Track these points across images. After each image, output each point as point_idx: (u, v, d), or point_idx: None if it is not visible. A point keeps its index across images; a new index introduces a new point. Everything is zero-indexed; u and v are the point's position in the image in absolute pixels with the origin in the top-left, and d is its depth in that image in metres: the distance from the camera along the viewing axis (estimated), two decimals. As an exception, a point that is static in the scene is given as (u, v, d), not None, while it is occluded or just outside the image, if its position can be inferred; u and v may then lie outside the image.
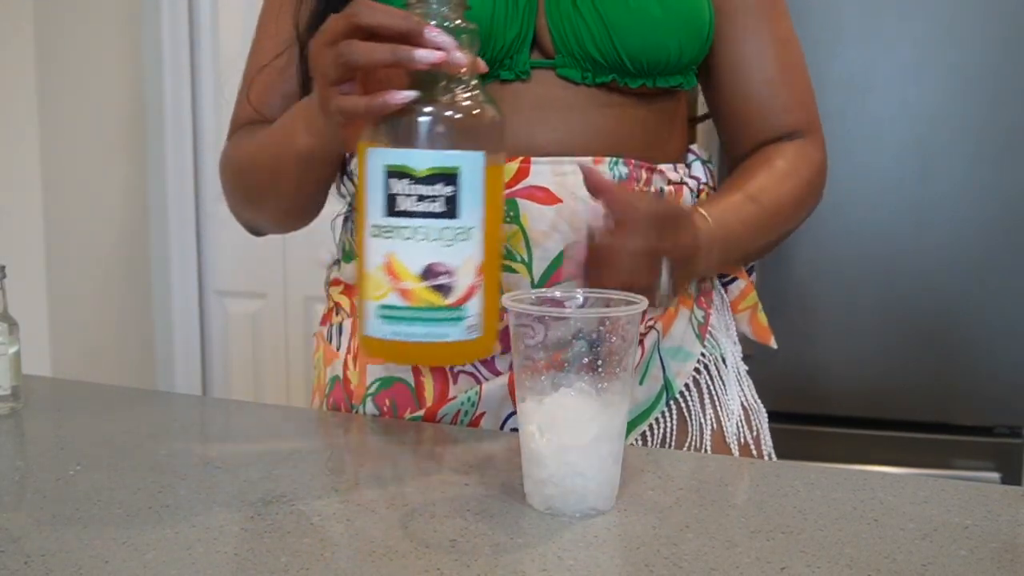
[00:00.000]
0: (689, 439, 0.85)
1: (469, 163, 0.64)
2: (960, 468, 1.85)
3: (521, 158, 0.78)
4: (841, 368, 1.88)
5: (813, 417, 1.91)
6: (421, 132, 0.64)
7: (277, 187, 0.83)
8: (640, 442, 0.84)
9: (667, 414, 0.85)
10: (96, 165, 2.57)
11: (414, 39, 0.63)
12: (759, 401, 0.93)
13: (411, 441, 0.81)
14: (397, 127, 0.64)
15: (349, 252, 0.89)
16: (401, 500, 0.65)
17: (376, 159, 0.64)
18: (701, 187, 0.89)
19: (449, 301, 0.65)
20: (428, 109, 0.64)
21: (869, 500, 0.65)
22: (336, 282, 0.92)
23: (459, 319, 0.66)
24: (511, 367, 0.79)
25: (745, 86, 0.88)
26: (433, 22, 0.64)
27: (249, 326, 2.80)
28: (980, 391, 1.87)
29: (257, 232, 0.94)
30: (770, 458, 0.92)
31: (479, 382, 0.82)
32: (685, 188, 0.86)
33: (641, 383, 0.84)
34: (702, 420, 0.86)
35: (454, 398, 0.81)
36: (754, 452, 0.90)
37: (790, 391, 1.89)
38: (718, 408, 0.87)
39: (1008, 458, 1.86)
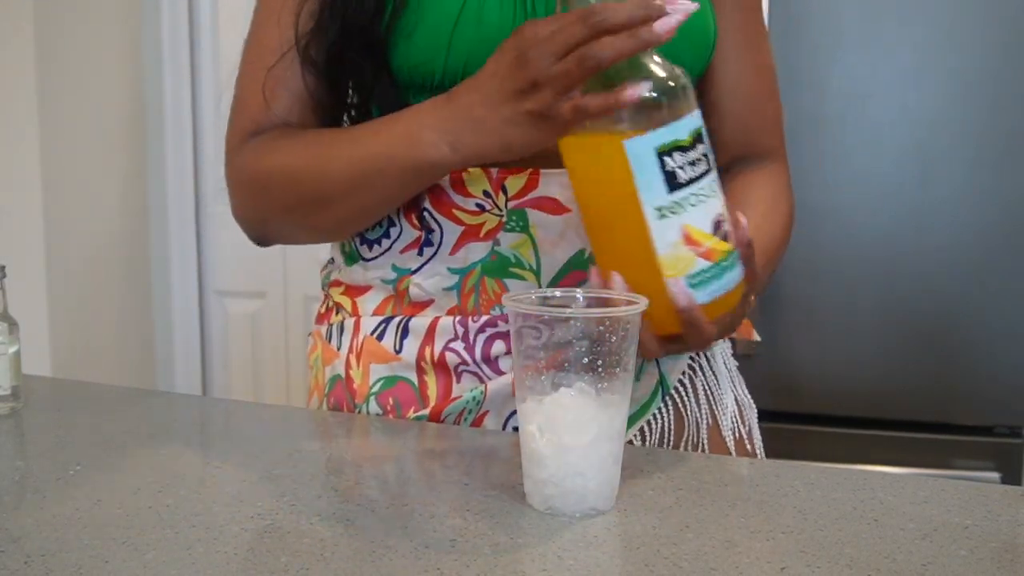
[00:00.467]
0: (686, 434, 0.86)
1: (699, 114, 0.66)
2: (960, 468, 1.85)
3: (530, 170, 0.79)
4: (842, 369, 1.88)
5: (813, 417, 1.91)
6: (673, 105, 0.65)
7: (353, 198, 0.79)
8: (639, 437, 0.85)
9: (663, 410, 0.86)
10: (96, 165, 2.57)
11: (655, 18, 0.63)
12: (749, 396, 0.94)
13: (411, 441, 0.81)
14: (642, 111, 0.64)
15: (351, 254, 0.89)
16: (401, 500, 0.65)
17: (642, 146, 0.64)
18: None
19: (731, 244, 0.67)
20: (652, 84, 0.64)
21: (869, 500, 0.65)
22: (336, 283, 0.92)
23: (737, 257, 0.68)
24: (507, 353, 0.80)
25: (728, 104, 0.89)
26: None
27: (249, 326, 2.80)
28: (980, 391, 1.87)
29: (265, 242, 0.91)
30: (759, 453, 0.94)
31: (483, 381, 0.82)
32: None
33: (638, 379, 0.85)
34: (698, 415, 0.87)
35: (458, 397, 0.82)
36: (748, 447, 0.91)
37: (791, 391, 1.89)
38: (712, 403, 0.89)
39: (1008, 458, 1.86)
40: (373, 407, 0.85)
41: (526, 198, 0.79)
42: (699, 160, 0.65)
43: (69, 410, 0.92)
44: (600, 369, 0.61)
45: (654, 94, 0.64)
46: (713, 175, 0.67)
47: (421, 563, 0.55)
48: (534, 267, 0.80)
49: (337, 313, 0.91)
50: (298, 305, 2.71)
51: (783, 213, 0.89)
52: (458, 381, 0.83)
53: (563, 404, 0.62)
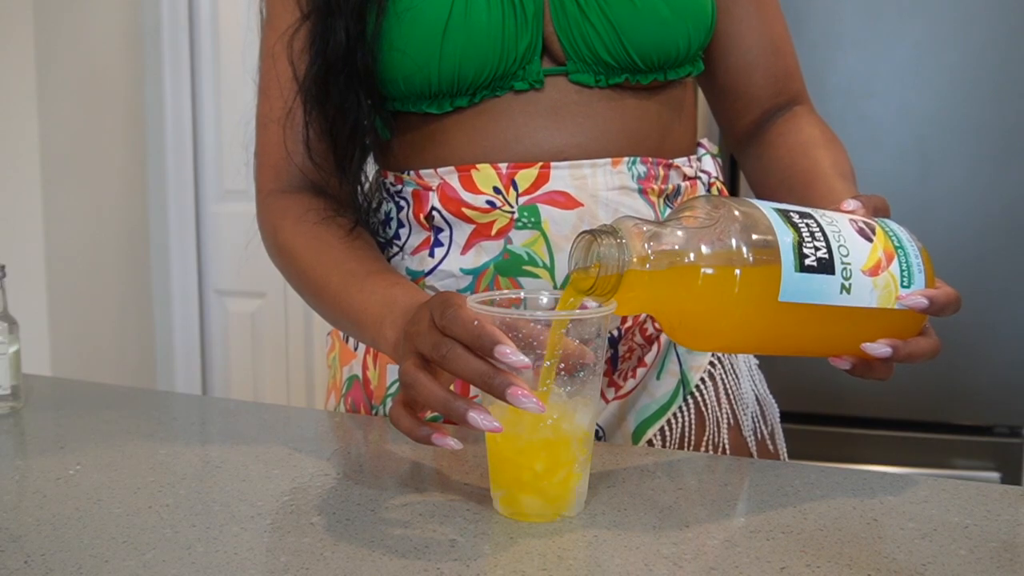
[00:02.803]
0: (707, 434, 0.86)
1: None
2: (960, 468, 1.85)
3: (540, 164, 0.79)
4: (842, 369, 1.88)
5: (814, 417, 1.91)
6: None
7: (334, 323, 0.83)
8: (659, 437, 0.85)
9: (684, 409, 0.86)
10: (96, 165, 2.57)
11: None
12: (771, 395, 0.94)
13: (411, 441, 0.81)
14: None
15: None
16: (401, 500, 0.65)
17: (791, 273, 0.60)
18: (711, 181, 0.89)
19: (877, 225, 0.67)
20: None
21: (869, 500, 0.65)
22: None
23: (885, 225, 0.69)
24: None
25: (753, 58, 0.90)
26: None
27: (249, 326, 2.80)
28: (980, 391, 1.87)
29: None
30: (782, 454, 0.93)
31: None
32: (698, 182, 0.87)
33: (659, 378, 0.85)
34: (719, 414, 0.87)
35: (476, 395, 0.81)
36: (770, 447, 0.91)
37: (791, 391, 1.89)
38: (733, 402, 0.88)
39: (1008, 458, 1.86)
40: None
41: (537, 193, 0.79)
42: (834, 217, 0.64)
43: (69, 410, 0.92)
44: (563, 372, 0.60)
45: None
46: (822, 211, 0.65)
47: (421, 563, 0.55)
48: (548, 264, 0.79)
49: None
50: (298, 305, 2.71)
51: (838, 141, 0.90)
52: None
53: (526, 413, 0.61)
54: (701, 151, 0.91)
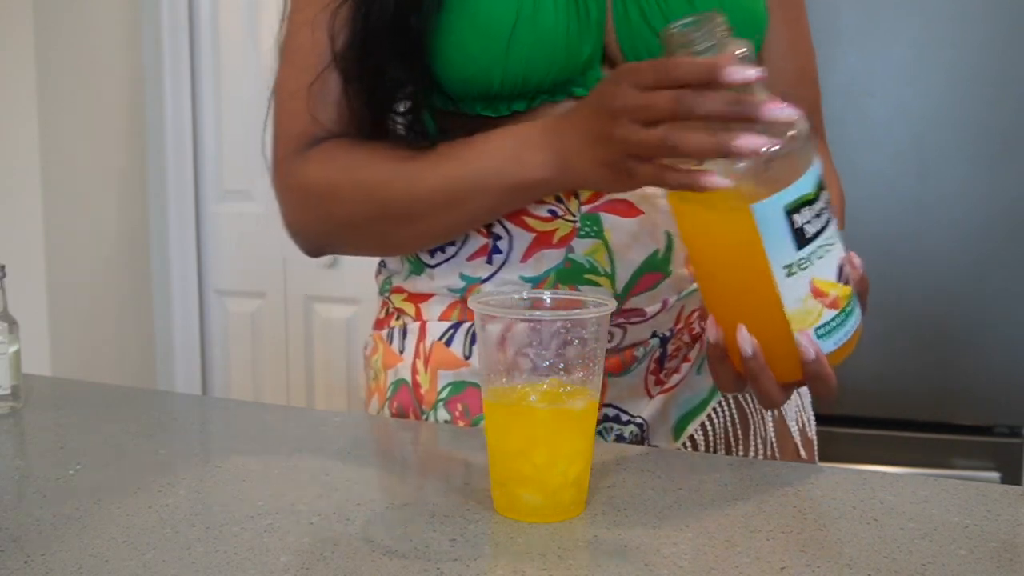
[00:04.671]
0: (752, 427, 0.86)
1: (818, 160, 0.63)
2: (960, 468, 1.85)
3: None
4: (841, 368, 1.88)
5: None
6: (796, 159, 0.61)
7: (442, 214, 0.77)
8: (700, 432, 0.85)
9: (724, 404, 0.86)
10: (96, 165, 2.57)
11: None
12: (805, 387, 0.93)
13: (412, 441, 0.81)
14: (767, 169, 0.60)
15: (415, 263, 0.86)
16: (401, 500, 0.65)
17: (770, 208, 0.61)
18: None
19: (851, 287, 0.66)
20: (772, 138, 0.59)
21: (869, 500, 0.65)
22: (399, 290, 0.89)
23: (856, 298, 0.67)
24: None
25: (773, 84, 0.88)
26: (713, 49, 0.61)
27: (249, 326, 2.80)
28: (980, 391, 1.87)
29: (320, 253, 0.88)
30: (815, 441, 0.93)
31: None
32: None
33: (699, 373, 0.85)
34: (761, 408, 0.87)
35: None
36: (808, 435, 0.91)
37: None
38: None
39: (1008, 458, 1.86)
40: (442, 414, 0.83)
41: (599, 202, 0.78)
42: (823, 210, 0.63)
43: (69, 410, 0.92)
44: (562, 372, 0.60)
45: (784, 146, 0.60)
46: (834, 220, 0.64)
47: (421, 563, 0.55)
48: (609, 272, 0.79)
49: (398, 318, 0.89)
50: (298, 305, 2.71)
51: (836, 177, 0.89)
52: None
53: (525, 407, 0.61)
54: None
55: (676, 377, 0.84)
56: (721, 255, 0.66)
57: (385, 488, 0.68)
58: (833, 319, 0.65)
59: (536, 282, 0.80)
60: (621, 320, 0.80)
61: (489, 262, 0.81)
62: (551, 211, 0.79)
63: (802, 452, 0.91)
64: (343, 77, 0.80)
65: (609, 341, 0.80)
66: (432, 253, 0.84)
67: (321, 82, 0.81)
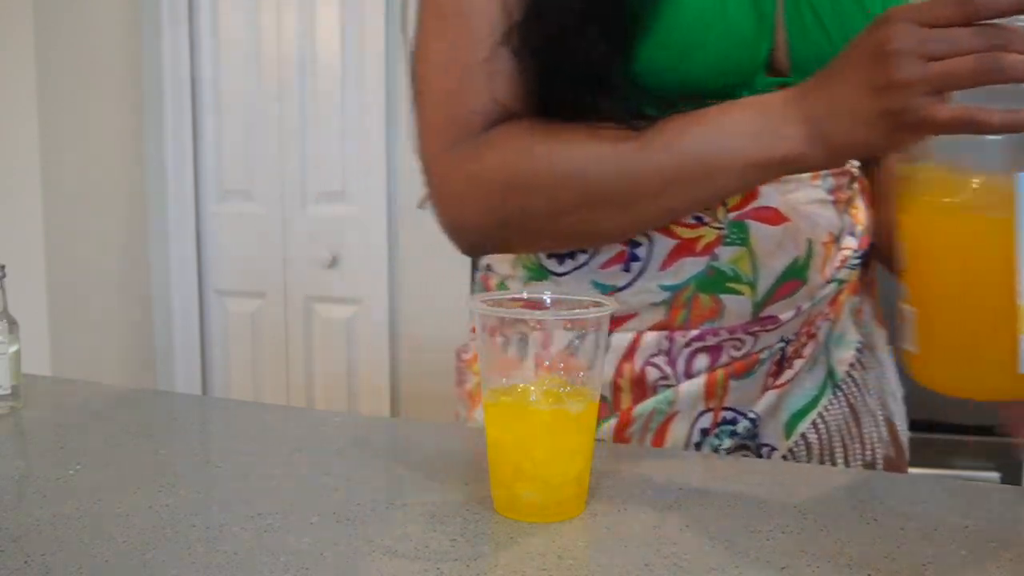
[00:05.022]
0: (865, 428, 0.84)
1: None
2: (960, 468, 1.85)
3: None
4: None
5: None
6: None
7: (665, 197, 0.70)
8: (812, 431, 0.82)
9: (835, 402, 0.83)
10: (96, 165, 2.57)
11: None
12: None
13: (412, 441, 0.81)
14: None
15: (535, 269, 0.82)
16: (401, 500, 0.65)
17: None
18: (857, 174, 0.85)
19: None
20: None
21: (869, 500, 0.65)
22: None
23: None
24: (709, 368, 0.78)
25: None
26: None
27: (249, 326, 2.80)
28: (980, 391, 1.87)
29: (482, 251, 0.81)
30: (906, 441, 0.91)
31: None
32: (857, 180, 0.84)
33: (810, 371, 0.82)
34: (873, 407, 0.85)
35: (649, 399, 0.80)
36: (903, 439, 0.89)
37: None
38: (882, 392, 0.87)
39: (1008, 458, 1.86)
40: None
41: (746, 209, 0.76)
42: None
43: (69, 410, 0.92)
44: (563, 372, 0.60)
45: None
46: None
47: (421, 563, 0.55)
48: (751, 280, 0.77)
49: None
50: (298, 305, 2.71)
51: None
52: (654, 394, 0.79)
53: (525, 404, 0.61)
54: None
55: (789, 373, 0.81)
56: (968, 250, 0.59)
57: (385, 488, 0.68)
58: None
59: (676, 290, 0.77)
60: (756, 328, 0.77)
61: (626, 270, 0.78)
62: (697, 218, 0.76)
63: (906, 452, 0.90)
64: (517, 50, 0.72)
65: (739, 349, 0.78)
66: (561, 260, 0.80)
67: (494, 58, 0.73)
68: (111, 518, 0.62)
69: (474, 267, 2.44)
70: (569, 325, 0.60)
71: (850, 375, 0.84)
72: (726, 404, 0.79)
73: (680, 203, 0.71)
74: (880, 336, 0.90)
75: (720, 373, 0.78)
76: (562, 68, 0.72)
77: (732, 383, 0.79)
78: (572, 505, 0.62)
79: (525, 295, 0.66)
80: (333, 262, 2.62)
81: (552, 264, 0.80)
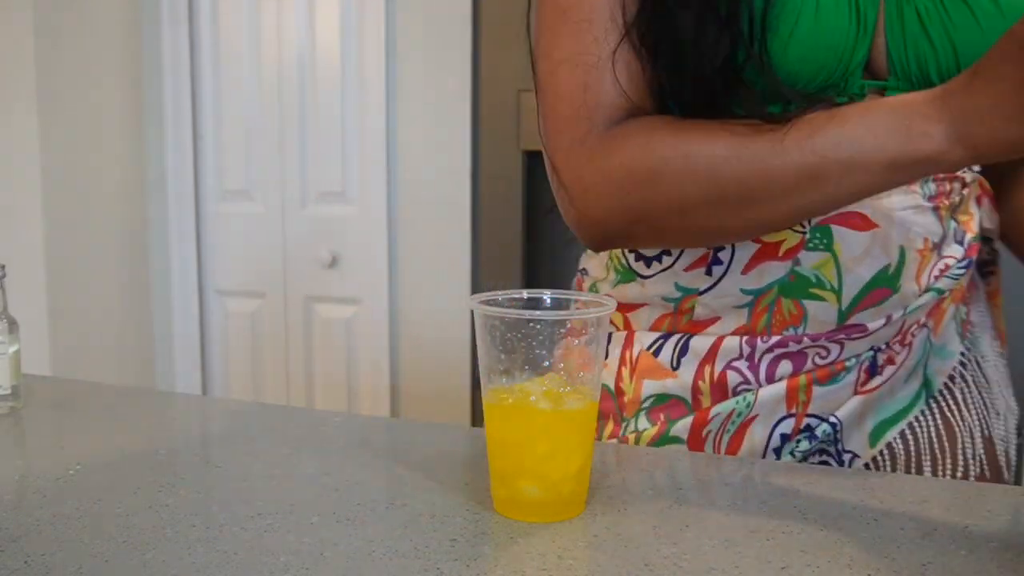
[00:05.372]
0: (960, 444, 0.81)
1: None
2: (960, 468, 1.85)
3: None
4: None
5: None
6: None
7: (798, 194, 0.67)
8: (899, 441, 0.79)
9: (928, 414, 0.80)
10: (96, 165, 2.57)
11: None
12: (1014, 400, 0.88)
13: (412, 441, 0.81)
14: None
15: (624, 271, 0.83)
16: (401, 500, 0.65)
17: None
18: (976, 176, 0.82)
19: None
20: None
21: (869, 500, 0.65)
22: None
23: None
24: (792, 374, 0.77)
25: None
26: None
27: (249, 326, 2.80)
28: (980, 391, 1.86)
29: (611, 245, 0.78)
30: (1013, 463, 0.87)
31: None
32: (971, 185, 0.81)
33: (905, 381, 0.80)
34: (971, 421, 0.81)
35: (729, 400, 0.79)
36: (1011, 454, 0.85)
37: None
38: (985, 409, 0.83)
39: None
40: (643, 423, 0.81)
41: (831, 214, 0.74)
42: None
43: (69, 410, 0.92)
44: (566, 371, 0.60)
45: None
46: None
47: (421, 563, 0.55)
48: (835, 287, 0.75)
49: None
50: (298, 305, 2.71)
51: None
52: (734, 395, 0.79)
53: (526, 404, 0.61)
54: None
55: (878, 379, 0.78)
56: None
57: (385, 488, 0.68)
58: None
59: (758, 294, 0.77)
60: (841, 336, 0.76)
61: (708, 273, 0.78)
62: None
63: (1006, 474, 0.85)
64: (642, 47, 0.71)
65: (825, 357, 0.77)
66: (648, 263, 0.80)
67: (619, 53, 0.72)
68: (111, 518, 0.62)
69: (474, 271, 2.45)
70: (569, 324, 0.60)
71: (948, 387, 0.81)
72: (810, 411, 0.77)
73: (813, 202, 0.68)
74: (992, 348, 0.86)
75: (803, 379, 0.76)
76: (684, 65, 0.71)
77: (816, 389, 0.77)
78: (572, 504, 0.62)
79: (525, 295, 0.66)
80: (333, 262, 2.62)
81: (640, 267, 0.81)
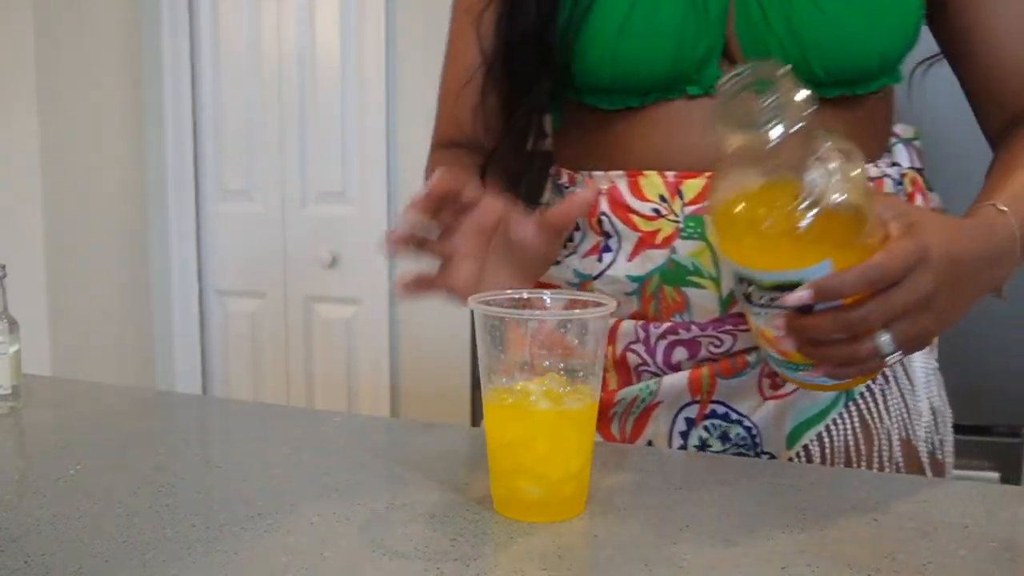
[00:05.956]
0: (876, 446, 0.81)
1: (813, 274, 0.59)
2: (960, 468, 1.85)
3: (707, 174, 0.76)
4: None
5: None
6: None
7: None
8: (817, 444, 0.80)
9: (846, 416, 0.81)
10: (96, 165, 2.57)
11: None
12: (947, 402, 0.88)
13: (412, 441, 0.81)
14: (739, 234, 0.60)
15: None
16: (401, 500, 0.65)
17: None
18: (904, 172, 0.84)
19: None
20: (767, 223, 0.58)
21: (869, 500, 0.65)
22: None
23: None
24: (689, 361, 0.80)
25: (1002, 58, 0.79)
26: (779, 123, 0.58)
27: (249, 326, 2.80)
28: (980, 391, 1.87)
29: None
30: (949, 465, 0.87)
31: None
32: (886, 180, 0.82)
33: None
34: (888, 425, 0.82)
35: (632, 385, 0.81)
36: (939, 457, 0.85)
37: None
38: (905, 411, 0.83)
39: (1007, 458, 1.86)
40: None
41: (704, 203, 0.76)
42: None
43: (69, 410, 0.92)
44: (563, 372, 0.60)
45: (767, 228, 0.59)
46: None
47: (421, 563, 0.55)
48: (714, 275, 0.77)
49: None
50: (298, 305, 2.71)
51: None
52: (638, 380, 0.82)
53: (526, 404, 0.61)
54: (892, 140, 0.86)
55: (791, 385, 0.80)
56: None
57: (385, 488, 0.68)
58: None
59: (642, 281, 0.79)
60: (729, 327, 0.78)
61: (600, 260, 0.81)
62: (654, 210, 0.77)
63: (929, 474, 0.84)
64: (484, 84, 0.84)
65: (718, 346, 0.79)
66: None
67: (468, 88, 0.86)
68: (111, 518, 0.62)
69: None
70: (569, 324, 0.60)
71: (870, 389, 0.82)
72: (715, 398, 0.80)
73: None
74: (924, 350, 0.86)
75: (705, 371, 0.79)
76: (513, 95, 0.84)
77: (720, 381, 0.79)
78: (572, 504, 0.62)
79: (525, 294, 0.66)
80: (333, 262, 2.62)
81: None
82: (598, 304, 0.62)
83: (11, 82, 2.37)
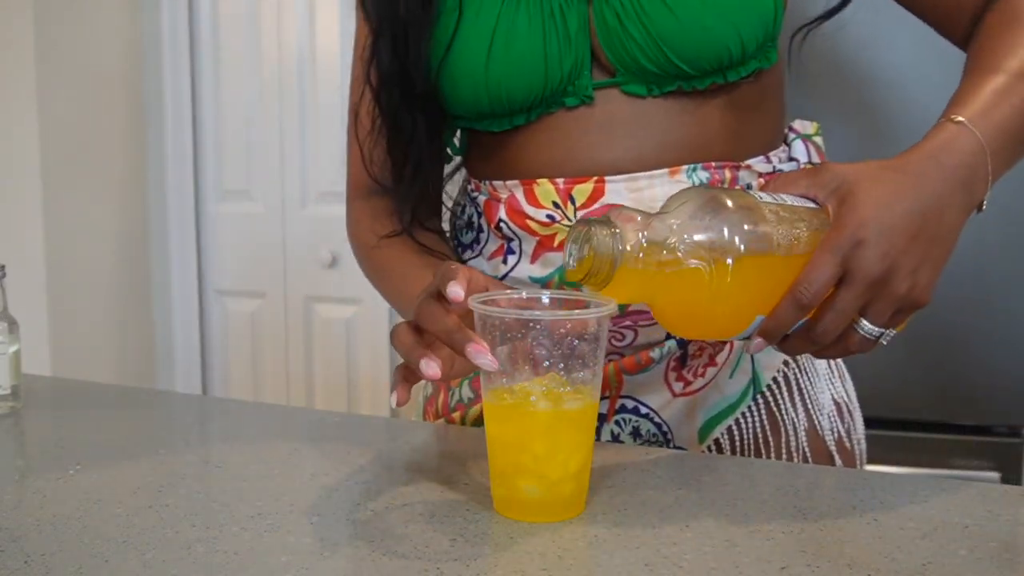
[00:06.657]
0: (783, 437, 0.84)
1: (752, 331, 0.64)
2: (960, 468, 1.85)
3: (595, 179, 0.78)
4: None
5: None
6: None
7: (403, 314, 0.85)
8: (726, 437, 0.84)
9: (754, 409, 0.84)
10: (96, 165, 2.57)
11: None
12: (852, 396, 0.91)
13: (411, 441, 0.81)
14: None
15: (457, 256, 0.91)
16: (401, 500, 0.65)
17: None
18: (803, 167, 0.84)
19: None
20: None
21: (869, 500, 0.65)
22: None
23: None
24: (624, 355, 0.81)
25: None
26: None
27: (249, 326, 2.80)
28: (980, 391, 1.87)
29: None
30: (861, 454, 0.90)
31: None
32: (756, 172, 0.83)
33: (731, 377, 0.83)
34: (794, 416, 0.85)
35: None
36: (847, 446, 0.88)
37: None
38: (808, 402, 0.86)
39: (1007, 458, 1.86)
40: (466, 391, 0.90)
41: (594, 207, 0.78)
42: None
43: (69, 410, 0.92)
44: (563, 372, 0.60)
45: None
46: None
47: (421, 563, 0.55)
48: None
49: None
50: (298, 305, 2.71)
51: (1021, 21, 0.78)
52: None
53: (526, 404, 0.61)
54: (791, 136, 0.87)
55: (700, 381, 0.83)
56: None
57: (385, 488, 0.68)
58: None
59: (543, 282, 0.81)
60: (628, 323, 0.79)
61: (504, 262, 0.83)
62: (549, 216, 0.79)
63: (837, 462, 0.88)
64: (372, 121, 0.85)
65: (620, 340, 0.80)
66: (463, 250, 0.89)
67: (359, 126, 0.88)
68: (111, 518, 0.62)
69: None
70: (568, 325, 0.60)
71: (776, 382, 0.85)
72: (623, 392, 0.82)
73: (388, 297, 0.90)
74: None
75: (611, 367, 0.81)
76: (389, 130, 0.86)
77: (625, 377, 0.82)
78: (572, 504, 0.62)
79: (524, 295, 0.66)
80: (333, 262, 2.62)
81: (461, 252, 0.90)
82: (598, 304, 0.62)
83: (11, 82, 2.37)
